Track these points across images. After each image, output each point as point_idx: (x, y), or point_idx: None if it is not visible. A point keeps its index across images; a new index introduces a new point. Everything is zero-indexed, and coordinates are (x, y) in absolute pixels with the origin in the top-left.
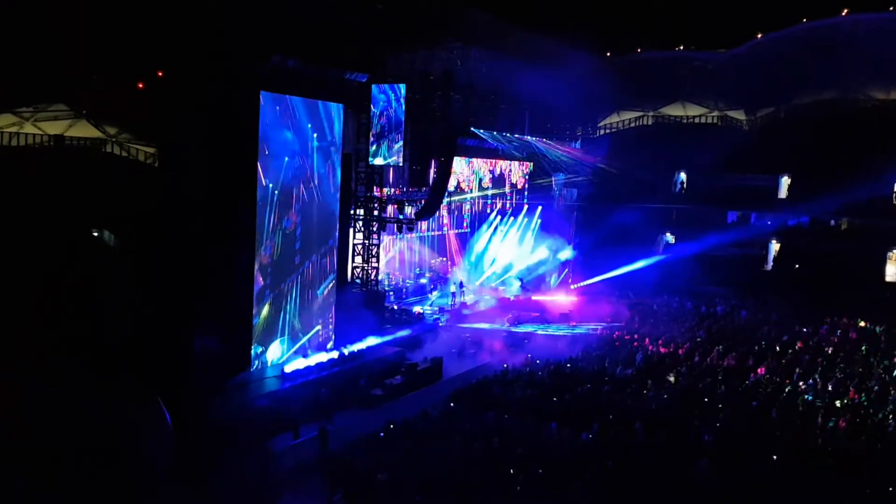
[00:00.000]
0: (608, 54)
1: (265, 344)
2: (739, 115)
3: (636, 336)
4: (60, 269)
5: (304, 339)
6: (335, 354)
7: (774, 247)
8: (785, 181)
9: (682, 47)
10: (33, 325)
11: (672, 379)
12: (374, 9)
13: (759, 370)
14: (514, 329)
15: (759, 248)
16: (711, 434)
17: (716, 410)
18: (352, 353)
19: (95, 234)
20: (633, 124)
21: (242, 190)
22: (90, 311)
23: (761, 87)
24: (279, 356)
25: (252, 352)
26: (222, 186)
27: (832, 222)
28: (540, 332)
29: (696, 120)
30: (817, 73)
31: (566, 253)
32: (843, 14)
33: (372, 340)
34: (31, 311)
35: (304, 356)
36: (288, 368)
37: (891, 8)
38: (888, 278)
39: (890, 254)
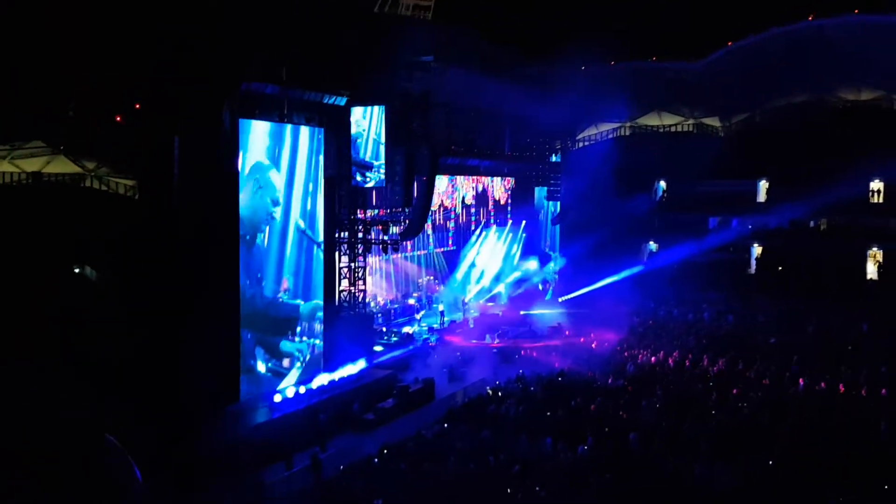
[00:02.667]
0: (583, 68)
1: (254, 372)
2: (715, 122)
3: (626, 346)
4: (43, 307)
5: (293, 366)
6: (325, 380)
7: (757, 250)
8: (763, 185)
9: (654, 58)
10: (17, 362)
11: (663, 387)
12: (351, 32)
13: (748, 374)
14: (504, 344)
15: (742, 252)
16: (706, 441)
17: (709, 416)
18: (342, 379)
19: (77, 269)
20: (610, 136)
21: (225, 218)
22: (75, 347)
23: (735, 93)
24: (268, 384)
25: (241, 381)
26: (204, 216)
27: (812, 223)
28: (530, 346)
29: (673, 129)
30: (789, 78)
31: (554, 264)
32: (810, 19)
33: (362, 364)
34: (16, 349)
35: (294, 384)
36: (278, 397)
37: (855, 10)
38: (869, 276)
39: (870, 252)
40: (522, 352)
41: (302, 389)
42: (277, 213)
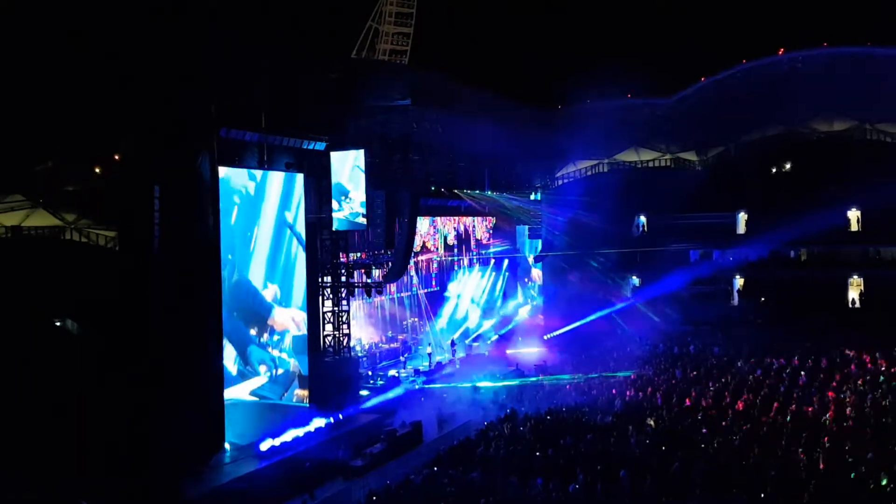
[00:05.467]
0: (559, 107)
1: (238, 420)
2: (691, 156)
3: (613, 382)
4: (24, 362)
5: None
6: (311, 427)
7: (739, 282)
8: (742, 217)
9: (629, 95)
10: None
11: (652, 423)
12: (329, 78)
13: (737, 406)
14: (491, 384)
15: (724, 284)
16: (698, 476)
17: (699, 451)
18: (329, 425)
19: (58, 323)
20: (589, 172)
21: (206, 267)
22: (56, 402)
23: (709, 127)
24: (252, 432)
25: (225, 431)
26: (185, 265)
27: (792, 253)
28: (518, 385)
29: (650, 164)
30: (762, 111)
31: (533, 301)
32: (780, 53)
33: (348, 409)
34: None
35: (280, 431)
36: (263, 446)
37: (824, 44)
38: (851, 304)
39: (851, 280)
40: (509, 391)
41: (288, 437)
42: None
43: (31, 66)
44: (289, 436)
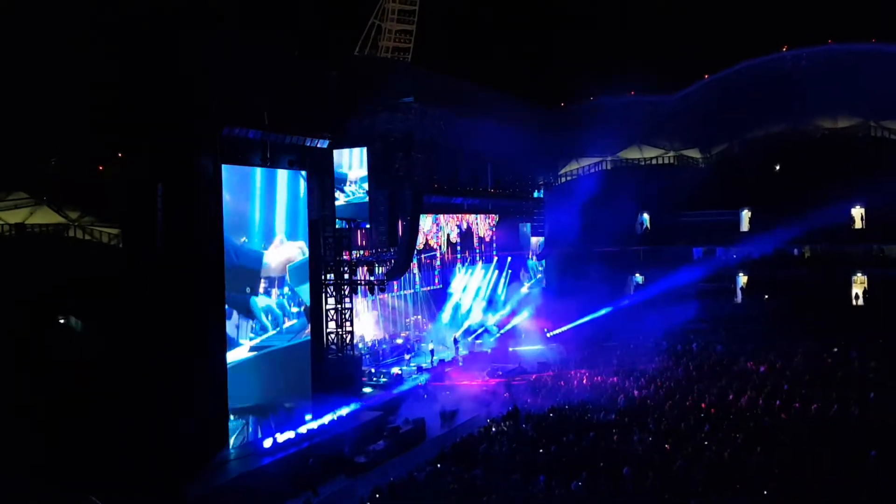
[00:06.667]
0: (562, 105)
1: (242, 419)
2: (695, 153)
3: (616, 379)
4: (28, 359)
5: (282, 411)
6: (315, 424)
7: (742, 279)
8: (746, 214)
9: (633, 92)
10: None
11: (655, 421)
12: (330, 75)
13: (739, 403)
14: (494, 381)
15: (728, 282)
16: (701, 473)
17: (702, 448)
18: (332, 422)
19: (62, 321)
20: (592, 170)
21: (209, 265)
22: (60, 399)
23: (713, 125)
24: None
25: (229, 428)
26: (188, 263)
27: (795, 251)
28: (521, 382)
29: (654, 161)
30: (765, 108)
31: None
32: (784, 50)
33: (351, 406)
34: None
35: (283, 429)
36: (267, 443)
37: (828, 41)
38: (854, 302)
39: (854, 278)
40: (513, 389)
41: (291, 434)
42: None
43: (34, 65)
44: (292, 433)
